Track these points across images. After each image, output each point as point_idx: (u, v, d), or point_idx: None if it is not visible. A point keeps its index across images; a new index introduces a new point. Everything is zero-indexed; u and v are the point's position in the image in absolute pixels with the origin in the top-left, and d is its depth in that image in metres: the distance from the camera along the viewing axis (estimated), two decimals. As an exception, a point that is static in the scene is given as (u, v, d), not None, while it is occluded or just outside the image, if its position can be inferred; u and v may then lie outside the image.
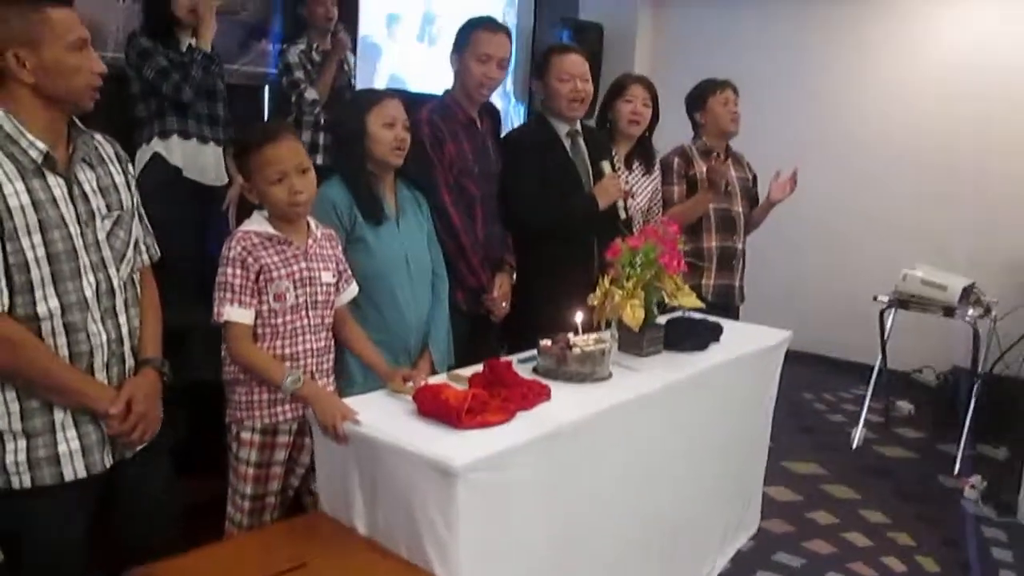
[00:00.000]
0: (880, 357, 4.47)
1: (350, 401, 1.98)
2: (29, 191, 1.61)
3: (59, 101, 1.67)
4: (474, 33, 2.65)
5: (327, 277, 2.12)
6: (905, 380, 5.16)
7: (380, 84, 5.16)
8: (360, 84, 4.61)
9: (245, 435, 2.08)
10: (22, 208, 1.59)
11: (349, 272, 2.23)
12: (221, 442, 2.19)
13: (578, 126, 2.94)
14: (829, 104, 5.63)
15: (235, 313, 1.98)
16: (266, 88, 4.82)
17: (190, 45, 3.19)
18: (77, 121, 1.76)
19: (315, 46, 4.03)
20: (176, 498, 2.02)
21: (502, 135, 2.98)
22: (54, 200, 1.65)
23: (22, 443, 1.67)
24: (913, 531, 3.31)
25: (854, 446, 4.24)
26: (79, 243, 1.68)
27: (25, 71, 1.61)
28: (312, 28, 4.10)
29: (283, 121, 3.14)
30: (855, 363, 5.20)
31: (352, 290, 2.23)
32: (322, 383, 2.12)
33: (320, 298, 2.11)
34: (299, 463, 2.17)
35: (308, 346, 2.09)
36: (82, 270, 1.69)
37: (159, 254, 1.97)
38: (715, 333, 2.76)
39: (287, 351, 2.06)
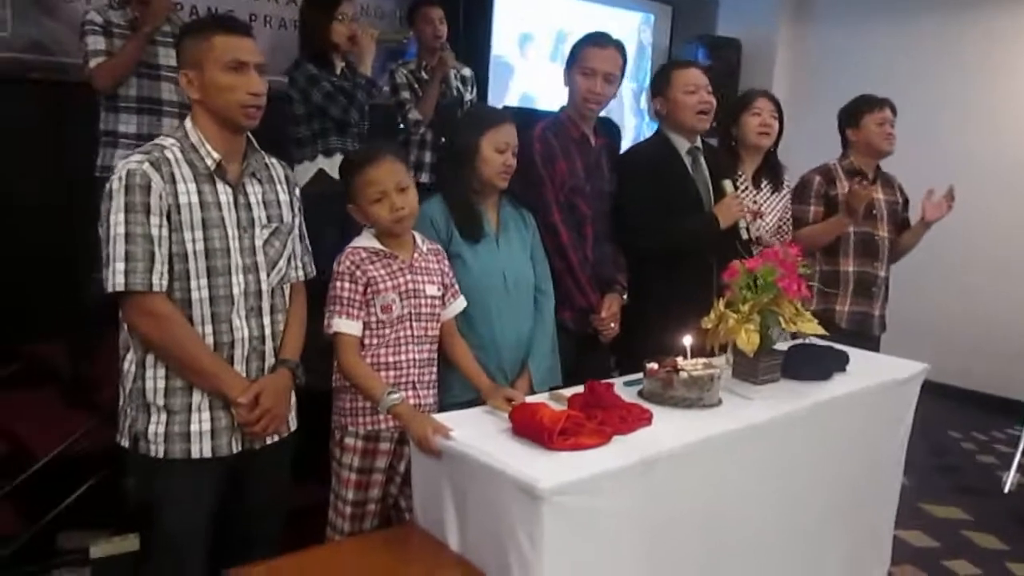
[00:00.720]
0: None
1: (447, 416, 1.99)
2: (199, 192, 1.83)
3: (222, 117, 1.86)
4: (583, 48, 2.64)
5: (432, 290, 2.18)
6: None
7: (512, 103, 5.23)
8: (493, 103, 4.68)
9: (349, 441, 2.15)
10: (190, 206, 1.81)
11: (456, 287, 2.26)
12: (323, 450, 2.26)
13: (699, 143, 2.86)
14: (982, 121, 5.25)
15: (343, 324, 2.07)
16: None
17: (343, 69, 3.39)
18: (253, 141, 1.95)
19: (424, 65, 4.08)
20: (285, 501, 2.12)
21: (621, 152, 2.93)
22: (219, 204, 1.86)
23: (163, 417, 1.85)
24: (1070, 590, 2.99)
25: (1005, 490, 3.88)
26: (235, 245, 1.88)
27: (193, 88, 1.86)
28: (421, 47, 4.16)
29: (384, 142, 3.26)
30: (1014, 400, 4.78)
31: (459, 304, 2.27)
32: (424, 394, 2.18)
33: (424, 310, 2.17)
34: (398, 471, 2.21)
35: (411, 356, 2.15)
36: (233, 269, 1.88)
37: (315, 272, 2.13)
38: (840, 362, 2.60)
39: (391, 359, 2.13)
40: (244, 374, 1.91)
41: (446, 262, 2.27)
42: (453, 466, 1.84)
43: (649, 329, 2.68)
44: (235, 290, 1.87)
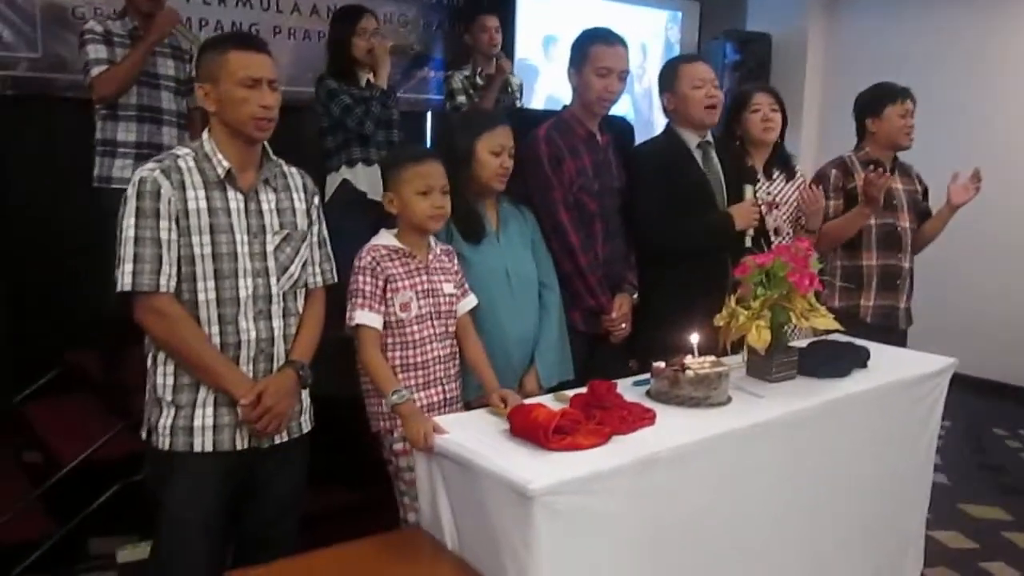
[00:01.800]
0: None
1: (450, 418, 2.00)
2: (208, 199, 1.91)
3: (234, 129, 1.93)
4: (592, 47, 2.61)
5: (448, 288, 2.24)
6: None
7: (538, 106, 5.24)
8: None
9: (398, 445, 2.18)
10: (198, 211, 1.89)
11: (467, 285, 2.29)
12: (344, 455, 2.28)
13: (709, 137, 2.82)
14: (1014, 115, 5.07)
15: (365, 317, 2.11)
16: (428, 114, 5.06)
17: (368, 81, 3.54)
18: (269, 151, 2.02)
19: (479, 71, 4.23)
20: (303, 500, 2.15)
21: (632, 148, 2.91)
22: (228, 210, 1.93)
23: (171, 411, 1.93)
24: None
25: (1051, 491, 3.75)
26: (243, 250, 1.94)
27: (209, 101, 1.93)
28: (477, 53, 4.29)
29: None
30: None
31: (470, 300, 2.30)
32: (450, 387, 2.24)
33: (443, 308, 2.22)
34: None
35: (435, 354, 2.20)
36: (241, 272, 1.94)
37: (336, 279, 2.17)
38: (860, 359, 2.53)
39: (417, 359, 2.18)
40: (251, 375, 1.96)
41: (457, 261, 2.31)
42: (447, 468, 1.84)
43: (663, 328, 2.64)
44: (242, 293, 1.93)
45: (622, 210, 2.73)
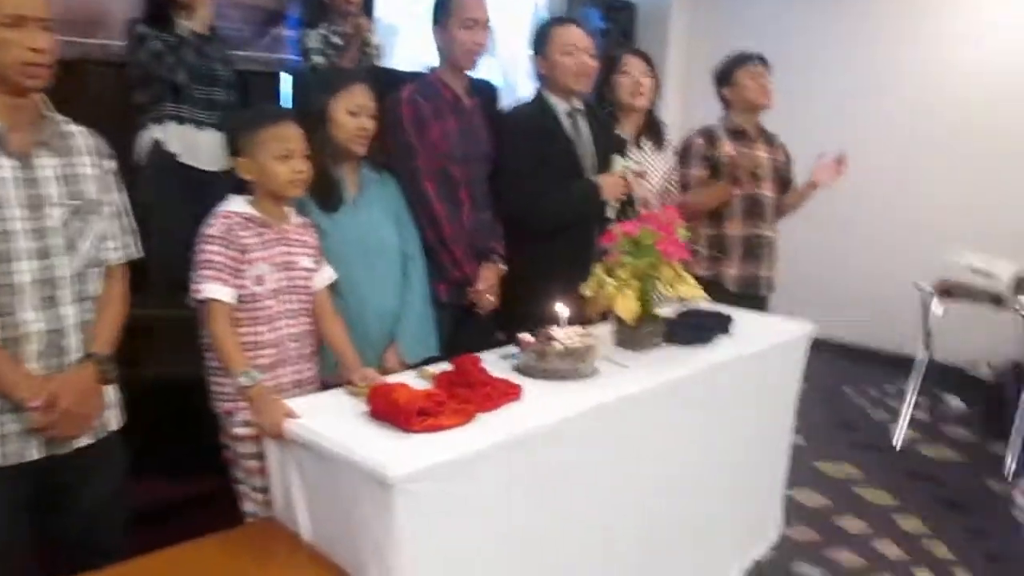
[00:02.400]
0: (924, 349, 4.16)
1: (303, 401, 1.85)
2: None
3: (1, 79, 1.61)
4: (454, 1, 2.48)
5: (306, 262, 2.08)
6: (959, 375, 4.81)
7: (402, 66, 5.04)
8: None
9: (239, 430, 1.98)
10: None
11: (324, 258, 2.13)
12: (204, 439, 2.08)
13: (579, 104, 2.74)
14: (871, 84, 5.32)
15: (215, 290, 1.90)
16: (281, 74, 4.77)
17: (192, 30, 3.14)
18: (48, 105, 1.72)
19: (335, 30, 3.96)
20: (126, 501, 1.93)
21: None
22: (0, 181, 1.61)
23: None
24: (953, 542, 3.04)
25: (896, 446, 3.96)
26: (20, 227, 1.63)
27: None
28: (332, 12, 4.03)
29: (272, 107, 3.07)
30: (903, 356, 4.88)
31: (327, 274, 2.14)
32: (305, 367, 2.08)
33: (299, 283, 2.06)
34: None
35: (288, 331, 2.04)
36: (16, 255, 1.63)
37: (139, 253, 1.91)
38: (722, 325, 2.55)
39: (268, 337, 2.00)
40: (42, 373, 1.68)
41: (314, 234, 2.13)
42: (301, 455, 1.70)
43: (531, 299, 2.56)
44: (21, 278, 1.64)
45: (490, 178, 2.62)
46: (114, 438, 1.86)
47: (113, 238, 1.84)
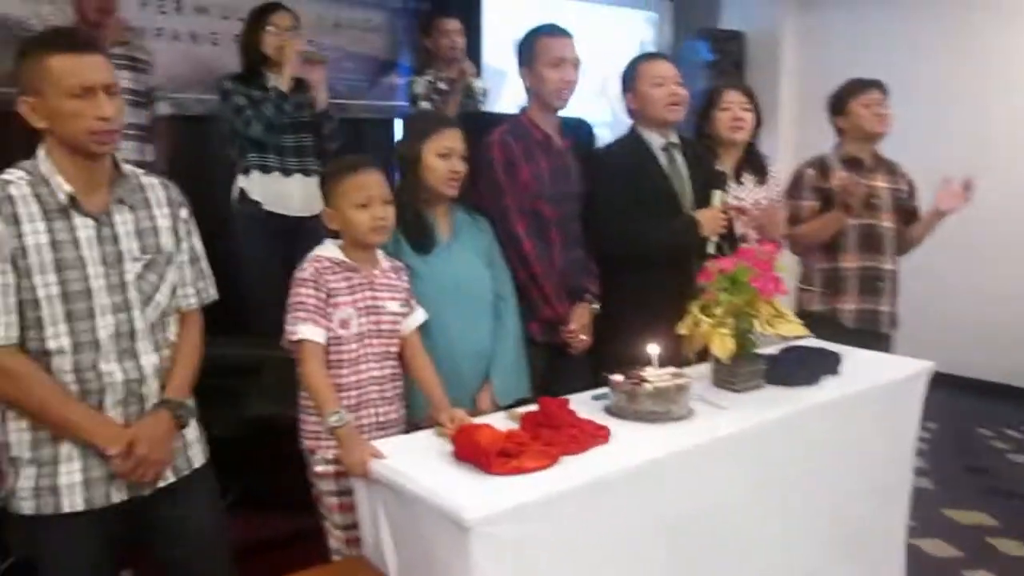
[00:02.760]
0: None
1: (391, 442, 1.89)
2: (50, 231, 1.65)
3: (72, 146, 1.68)
4: (539, 41, 2.52)
5: (393, 306, 2.11)
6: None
7: (510, 109, 5.13)
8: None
9: (319, 468, 2.05)
10: (38, 247, 1.64)
11: (414, 300, 2.17)
12: (282, 480, 2.16)
13: (675, 138, 2.71)
14: (994, 108, 5.01)
15: (308, 331, 1.97)
16: (394, 121, 4.95)
17: (279, 82, 3.29)
18: (120, 165, 1.79)
19: (441, 76, 4.11)
20: (228, 533, 2.00)
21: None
22: (76, 241, 1.68)
23: (32, 471, 1.70)
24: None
25: (1038, 492, 3.66)
26: (97, 284, 1.70)
27: (36, 116, 1.67)
28: (439, 59, 4.19)
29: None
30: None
31: (417, 316, 2.17)
32: (387, 410, 2.10)
33: (385, 327, 2.09)
34: None
35: (372, 374, 2.07)
36: (97, 311, 1.70)
37: (213, 296, 1.97)
38: (830, 364, 2.43)
39: (352, 379, 2.04)
40: (121, 419, 1.74)
41: (406, 277, 2.18)
42: (387, 495, 1.73)
43: (626, 338, 2.53)
44: (101, 333, 1.70)
45: (582, 217, 2.62)
46: (201, 473, 1.91)
47: (188, 284, 1.89)
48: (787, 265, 2.31)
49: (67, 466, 1.70)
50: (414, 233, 2.22)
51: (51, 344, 1.66)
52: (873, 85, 3.17)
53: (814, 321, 3.08)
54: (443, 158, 2.21)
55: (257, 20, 3.33)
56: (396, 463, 1.74)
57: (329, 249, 2.08)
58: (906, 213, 3.26)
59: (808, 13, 5.81)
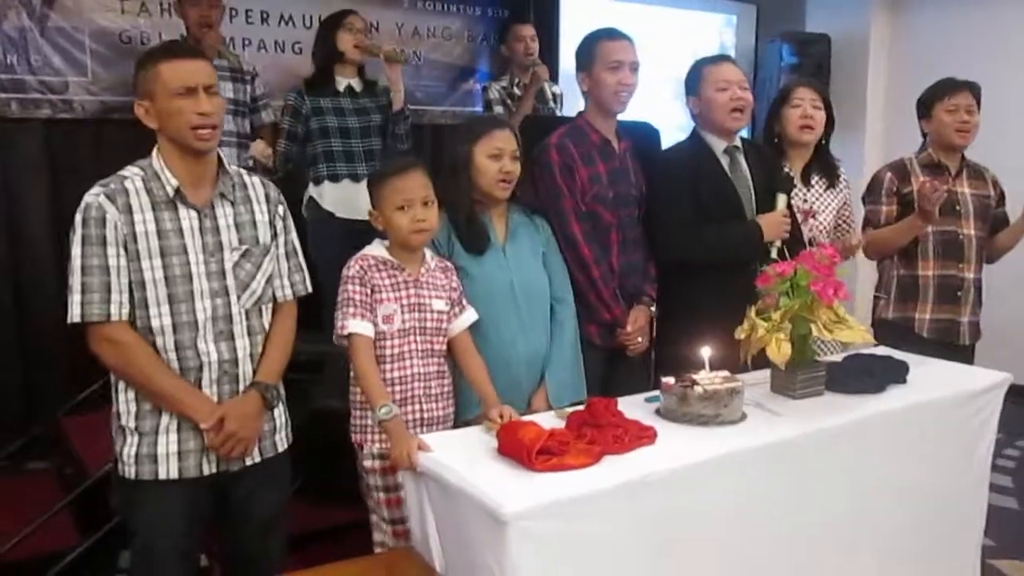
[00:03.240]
0: None
1: (439, 435, 1.94)
2: (156, 220, 1.85)
3: (179, 143, 1.86)
4: (597, 45, 2.54)
5: (439, 304, 2.15)
6: None
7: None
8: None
9: (367, 463, 2.12)
10: (147, 235, 1.83)
11: (464, 301, 2.22)
12: (340, 472, 2.23)
13: (737, 141, 2.68)
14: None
15: (358, 325, 2.05)
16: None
17: (349, 86, 3.41)
18: (224, 162, 1.97)
19: (516, 81, 4.18)
20: (282, 523, 2.10)
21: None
22: (180, 231, 1.87)
23: (134, 439, 1.88)
24: None
25: None
26: (198, 270, 1.87)
27: (150, 118, 1.87)
28: (513, 64, 4.25)
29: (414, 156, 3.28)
30: None
31: (467, 316, 2.21)
32: (433, 407, 2.15)
33: (430, 324, 2.14)
34: None
35: (416, 370, 2.12)
36: (197, 294, 1.87)
37: (308, 290, 2.11)
38: (896, 373, 2.36)
39: (396, 374, 2.10)
40: (216, 398, 1.90)
41: (455, 277, 2.23)
42: (431, 488, 1.77)
43: (683, 341, 2.51)
44: (199, 315, 1.87)
45: (641, 220, 2.62)
46: (281, 458, 2.05)
47: (284, 276, 2.04)
48: (848, 270, 2.24)
49: (165, 437, 1.87)
50: (466, 234, 2.26)
51: (155, 323, 1.84)
52: (964, 86, 3.04)
53: (888, 330, 3.00)
54: (493, 159, 2.25)
55: (333, 22, 3.48)
56: (441, 456, 1.78)
57: (376, 248, 2.16)
58: (995, 220, 3.13)
59: (897, 15, 5.62)
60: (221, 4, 3.53)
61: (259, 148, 3.36)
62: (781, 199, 2.62)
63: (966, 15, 5.21)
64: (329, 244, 3.25)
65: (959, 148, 3.06)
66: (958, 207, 3.03)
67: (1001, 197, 3.17)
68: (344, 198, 3.41)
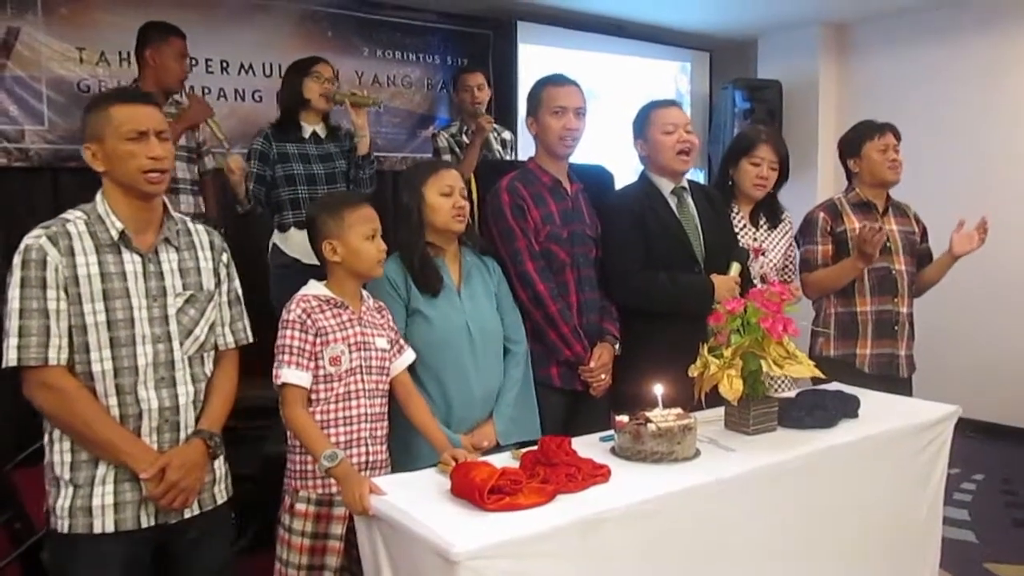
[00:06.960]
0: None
1: (392, 478, 1.92)
2: (100, 263, 1.81)
3: (126, 186, 1.84)
4: (544, 90, 2.60)
5: (381, 343, 2.15)
6: None
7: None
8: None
9: (300, 506, 2.08)
10: (89, 277, 1.79)
11: (402, 341, 2.22)
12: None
13: (684, 183, 2.74)
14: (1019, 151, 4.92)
15: (291, 375, 2.02)
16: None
17: (314, 132, 3.40)
18: (169, 207, 1.95)
19: (465, 129, 4.19)
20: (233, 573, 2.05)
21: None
22: (124, 274, 1.83)
23: (69, 491, 1.81)
24: None
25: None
26: (141, 315, 1.84)
27: (97, 161, 1.85)
28: (463, 112, 4.29)
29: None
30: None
31: (407, 356, 2.21)
32: (376, 449, 2.13)
33: (375, 363, 2.13)
34: (354, 542, 2.11)
35: (363, 411, 2.10)
36: (139, 339, 1.83)
37: (250, 339, 2.07)
38: (847, 408, 2.39)
39: (341, 415, 2.08)
40: (156, 446, 1.85)
41: (390, 317, 2.23)
42: (383, 530, 1.75)
43: (641, 380, 2.53)
44: (140, 360, 1.83)
45: (597, 259, 2.65)
46: (221, 511, 1.98)
47: (227, 324, 2.01)
48: (798, 308, 2.28)
49: (101, 488, 1.80)
50: (420, 276, 2.27)
51: (95, 367, 1.79)
52: (887, 127, 3.15)
53: (830, 367, 3.03)
54: (445, 196, 2.28)
55: (300, 69, 3.45)
56: (393, 498, 1.76)
57: (316, 288, 2.13)
58: (920, 255, 3.23)
59: (843, 61, 5.81)
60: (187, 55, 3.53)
61: (237, 162, 3.30)
62: (734, 267, 2.67)
63: (909, 60, 5.41)
64: (292, 290, 3.22)
65: (890, 184, 3.15)
66: (889, 243, 3.10)
67: (924, 233, 3.27)
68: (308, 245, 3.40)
